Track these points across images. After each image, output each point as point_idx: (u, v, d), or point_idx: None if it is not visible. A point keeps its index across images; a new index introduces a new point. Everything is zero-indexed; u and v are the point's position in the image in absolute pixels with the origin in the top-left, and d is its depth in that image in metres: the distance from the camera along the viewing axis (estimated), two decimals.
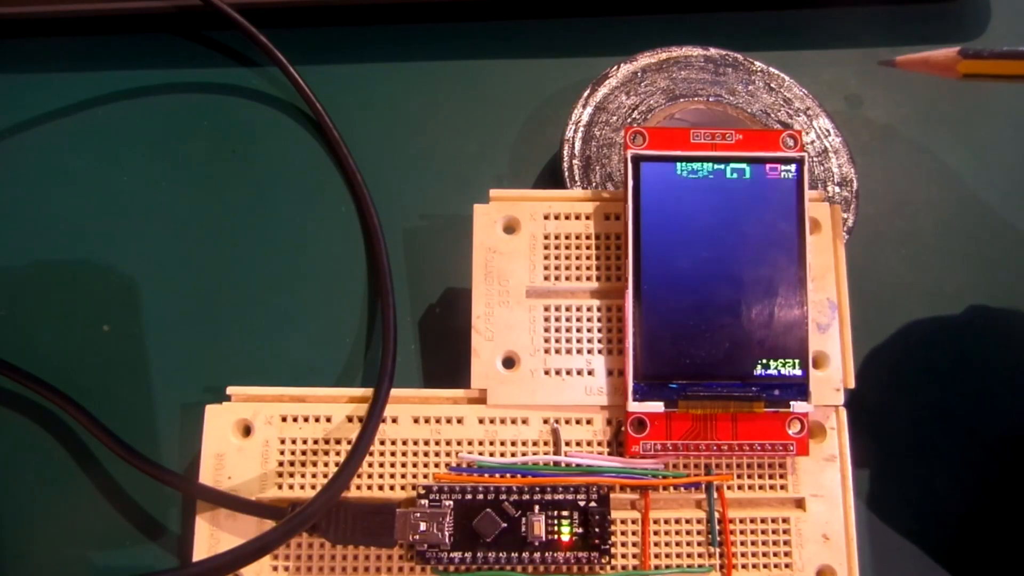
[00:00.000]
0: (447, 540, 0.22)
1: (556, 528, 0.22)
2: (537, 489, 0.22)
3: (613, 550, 0.22)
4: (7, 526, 0.24)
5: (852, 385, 0.23)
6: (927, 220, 0.28)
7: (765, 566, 0.22)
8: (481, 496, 0.22)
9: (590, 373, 0.23)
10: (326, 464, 0.23)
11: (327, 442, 0.23)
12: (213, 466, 0.23)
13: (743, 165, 0.23)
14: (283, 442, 0.23)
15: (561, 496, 0.22)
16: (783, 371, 0.22)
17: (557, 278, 0.24)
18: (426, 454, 0.23)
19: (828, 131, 0.27)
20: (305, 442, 0.23)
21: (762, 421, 0.22)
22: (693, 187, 0.23)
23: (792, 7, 0.31)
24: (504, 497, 0.22)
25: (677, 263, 0.23)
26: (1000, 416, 0.26)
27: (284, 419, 0.23)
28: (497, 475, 0.22)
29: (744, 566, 0.22)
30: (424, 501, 0.22)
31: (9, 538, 0.24)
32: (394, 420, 0.23)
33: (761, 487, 0.23)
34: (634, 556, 0.22)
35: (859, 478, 0.23)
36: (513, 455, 0.23)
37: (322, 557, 0.22)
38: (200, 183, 0.28)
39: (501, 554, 0.22)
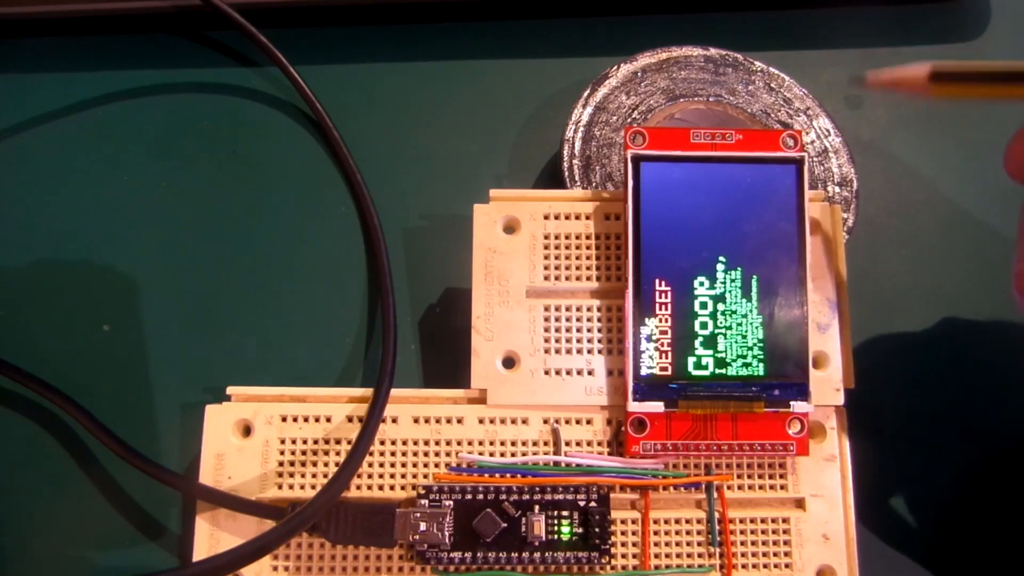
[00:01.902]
0: (447, 540, 0.22)
1: (556, 528, 0.22)
2: (537, 489, 0.22)
3: (613, 550, 0.22)
4: (7, 526, 0.24)
5: (852, 385, 0.23)
6: (927, 220, 0.28)
7: (765, 566, 0.22)
8: (481, 496, 0.22)
9: (590, 373, 0.23)
10: (326, 464, 0.23)
11: (327, 442, 0.23)
12: (213, 466, 0.23)
13: (743, 165, 0.23)
14: (283, 442, 0.23)
15: (561, 496, 0.22)
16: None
17: (557, 278, 0.24)
18: (426, 454, 0.23)
19: (828, 131, 0.27)
20: (305, 442, 0.23)
21: (762, 421, 0.22)
22: (693, 187, 0.23)
23: (792, 7, 0.31)
24: (504, 497, 0.22)
25: (677, 263, 0.23)
26: (999, 416, 0.26)
27: (284, 419, 0.23)
28: (497, 475, 0.22)
29: (744, 566, 0.22)
30: (424, 501, 0.22)
31: (9, 538, 0.24)
32: (394, 420, 0.23)
33: (761, 487, 0.23)
34: (634, 556, 0.22)
35: (859, 478, 0.23)
36: (513, 455, 0.23)
37: (322, 557, 0.22)
38: (200, 183, 0.28)
39: (501, 554, 0.22)
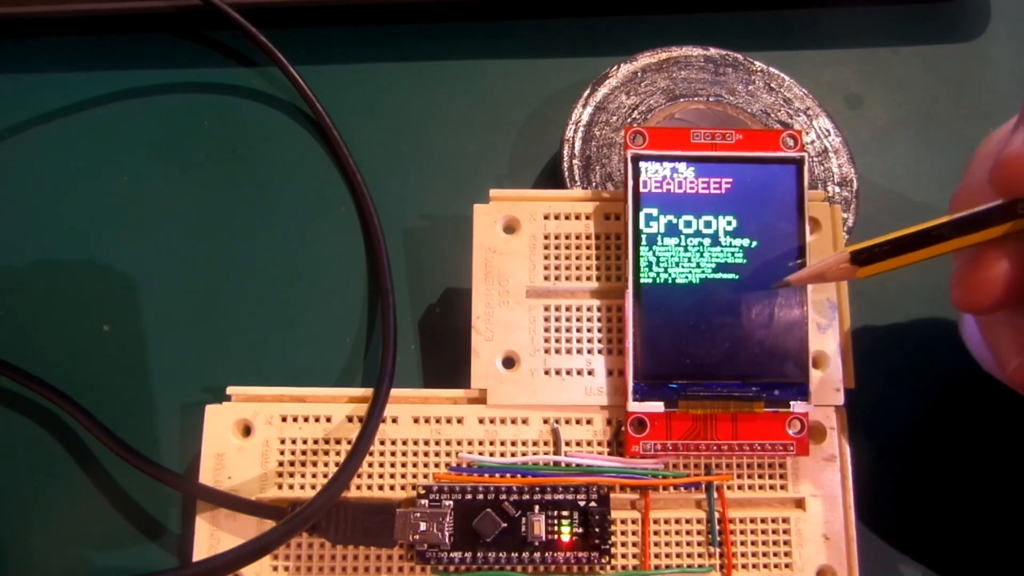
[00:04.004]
0: (447, 540, 0.22)
1: (556, 528, 0.22)
2: (537, 489, 0.22)
3: (613, 550, 0.22)
4: (7, 526, 0.24)
5: (852, 385, 0.23)
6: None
7: (765, 566, 0.22)
8: (481, 496, 0.22)
9: (590, 373, 0.23)
10: (326, 464, 0.23)
11: (327, 442, 0.23)
12: (213, 466, 0.23)
13: (743, 165, 0.23)
14: (283, 442, 0.23)
15: (561, 496, 0.22)
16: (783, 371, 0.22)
17: (557, 278, 0.24)
18: (426, 454, 0.23)
19: (828, 131, 0.27)
20: (305, 442, 0.23)
21: (762, 421, 0.22)
22: (693, 187, 0.23)
23: (792, 7, 0.31)
24: (504, 497, 0.22)
25: (677, 263, 0.23)
26: (1000, 416, 0.26)
27: (284, 419, 0.23)
28: (497, 475, 0.22)
29: (744, 566, 0.22)
30: (424, 501, 0.22)
31: (9, 538, 0.24)
32: (394, 420, 0.23)
33: (761, 487, 0.23)
34: (634, 556, 0.22)
35: (859, 478, 0.23)
36: (513, 455, 0.23)
37: (322, 557, 0.22)
38: (200, 183, 0.28)
39: (501, 554, 0.22)
